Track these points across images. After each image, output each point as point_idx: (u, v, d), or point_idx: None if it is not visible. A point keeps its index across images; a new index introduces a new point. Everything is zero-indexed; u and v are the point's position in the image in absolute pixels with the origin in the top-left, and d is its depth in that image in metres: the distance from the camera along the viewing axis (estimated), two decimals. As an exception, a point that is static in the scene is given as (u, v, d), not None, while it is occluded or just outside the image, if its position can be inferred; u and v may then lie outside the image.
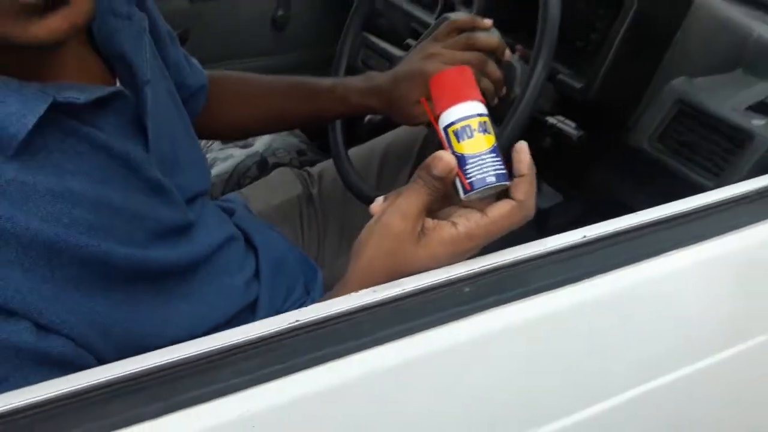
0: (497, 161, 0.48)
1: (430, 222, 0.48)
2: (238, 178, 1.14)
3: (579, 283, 0.47)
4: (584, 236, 0.51)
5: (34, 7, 0.43)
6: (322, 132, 0.95)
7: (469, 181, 0.48)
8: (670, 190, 0.60)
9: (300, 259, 0.83)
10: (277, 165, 1.12)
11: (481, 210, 0.47)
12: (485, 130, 0.49)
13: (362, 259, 0.49)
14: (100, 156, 0.53)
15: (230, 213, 0.80)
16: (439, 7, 1.12)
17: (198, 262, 0.62)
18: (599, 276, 0.48)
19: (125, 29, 0.58)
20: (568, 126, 0.87)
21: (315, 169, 1.00)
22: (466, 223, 0.47)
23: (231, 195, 0.92)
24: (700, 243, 0.53)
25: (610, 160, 0.96)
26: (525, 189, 0.47)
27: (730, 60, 0.85)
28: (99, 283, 0.50)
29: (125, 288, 0.52)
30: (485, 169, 0.47)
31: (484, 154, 0.48)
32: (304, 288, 0.80)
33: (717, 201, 0.57)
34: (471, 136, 0.48)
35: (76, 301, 0.48)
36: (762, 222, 0.56)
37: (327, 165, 0.98)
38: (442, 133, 0.50)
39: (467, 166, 0.48)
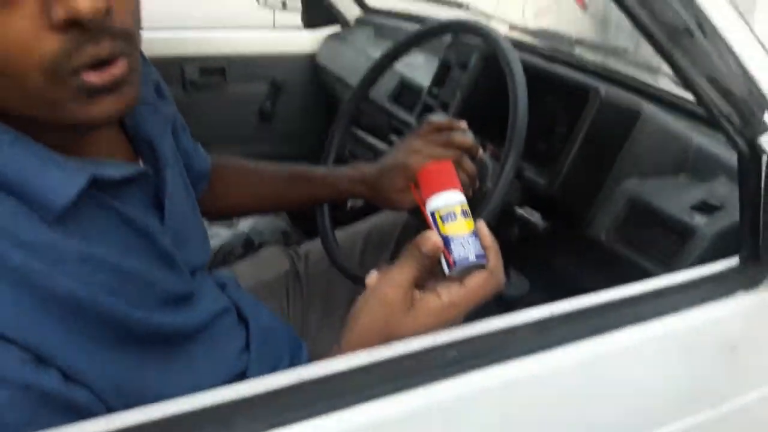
0: (477, 243, 0.56)
1: (417, 293, 0.54)
2: (223, 257, 1.20)
3: (548, 350, 0.54)
4: (551, 312, 0.58)
5: (94, 91, 0.49)
6: (305, 215, 1.02)
7: (453, 259, 0.55)
8: (626, 279, 0.68)
9: (286, 333, 0.87)
10: (262, 245, 1.19)
11: (460, 282, 0.55)
12: (466, 216, 0.57)
13: (358, 324, 0.55)
14: (123, 227, 0.58)
15: (222, 287, 0.85)
16: (418, 108, 1.24)
17: (198, 330, 0.66)
18: (563, 346, 0.55)
19: (152, 116, 0.66)
20: (533, 217, 0.97)
21: (302, 249, 1.06)
22: (448, 293, 0.53)
23: (223, 270, 0.97)
24: (650, 321, 0.61)
25: (572, 250, 1.05)
26: (493, 259, 0.55)
27: (674, 164, 0.97)
28: (116, 342, 0.54)
29: (138, 349, 0.56)
30: (467, 249, 0.55)
31: (466, 236, 0.55)
32: (290, 361, 0.84)
33: (665, 286, 0.66)
34: (455, 220, 0.56)
35: (95, 357, 0.52)
36: (703, 305, 0.64)
37: (314, 245, 1.05)
38: (429, 216, 0.57)
39: (452, 246, 0.55)
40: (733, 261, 0.69)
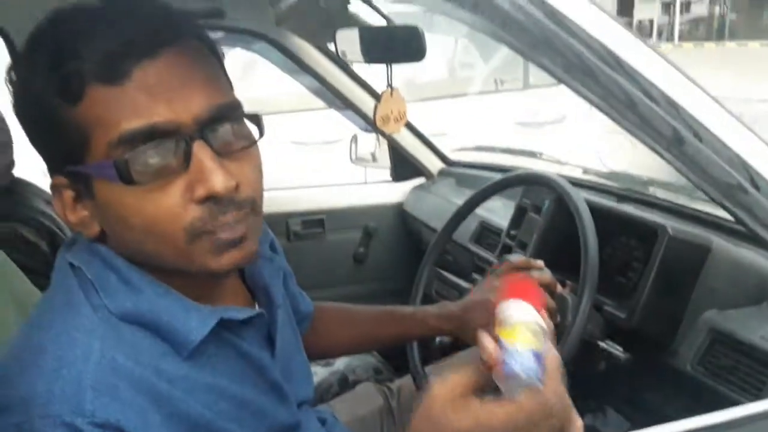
0: (538, 364, 0.56)
1: (474, 399, 0.55)
2: (321, 394, 1.27)
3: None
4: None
5: (223, 246, 0.61)
6: (396, 352, 1.09)
7: (504, 371, 0.55)
8: (714, 409, 0.68)
9: (381, 468, 0.92)
10: (356, 382, 1.26)
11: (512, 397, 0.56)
12: (534, 334, 0.57)
13: (412, 426, 0.58)
14: (241, 361, 0.67)
15: (323, 422, 0.92)
16: (498, 248, 1.33)
17: (302, 461, 0.73)
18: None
19: (267, 267, 0.78)
20: (616, 350, 0.99)
21: (394, 384, 1.13)
22: (496, 404, 0.54)
23: (321, 406, 1.05)
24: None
25: (658, 381, 1.05)
26: (551, 385, 0.55)
27: (754, 294, 0.98)
28: None
29: None
30: (524, 366, 0.55)
31: (527, 353, 0.56)
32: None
33: (752, 413, 0.67)
34: (521, 333, 0.56)
35: None
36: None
37: (406, 381, 1.11)
38: (497, 324, 0.58)
39: (508, 358, 0.55)
40: (819, 389, 0.70)
